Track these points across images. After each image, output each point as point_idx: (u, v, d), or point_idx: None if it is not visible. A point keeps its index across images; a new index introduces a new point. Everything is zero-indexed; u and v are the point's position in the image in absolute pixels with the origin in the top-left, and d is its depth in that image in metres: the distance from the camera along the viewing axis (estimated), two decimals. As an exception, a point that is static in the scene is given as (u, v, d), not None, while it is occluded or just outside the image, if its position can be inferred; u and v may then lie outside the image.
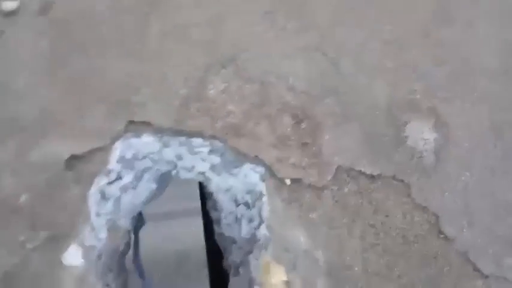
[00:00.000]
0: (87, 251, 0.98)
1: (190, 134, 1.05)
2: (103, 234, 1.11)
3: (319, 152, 1.08)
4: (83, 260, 0.92)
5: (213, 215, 1.40)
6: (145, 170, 1.22)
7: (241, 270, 1.24)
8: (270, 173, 1.04)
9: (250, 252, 1.19)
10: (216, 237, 1.41)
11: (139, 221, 1.48)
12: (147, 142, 1.10)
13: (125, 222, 1.22)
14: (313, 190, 1.04)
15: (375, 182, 1.08)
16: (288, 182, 1.04)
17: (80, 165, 0.94)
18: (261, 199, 1.08)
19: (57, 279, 0.86)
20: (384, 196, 1.07)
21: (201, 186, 2.09)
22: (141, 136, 1.06)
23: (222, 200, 1.31)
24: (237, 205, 1.25)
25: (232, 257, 1.31)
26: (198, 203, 1.90)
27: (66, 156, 0.93)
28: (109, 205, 1.13)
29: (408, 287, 0.99)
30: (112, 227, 1.17)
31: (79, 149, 0.95)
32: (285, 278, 1.00)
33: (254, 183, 1.11)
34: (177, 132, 1.04)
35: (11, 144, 0.92)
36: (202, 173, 1.25)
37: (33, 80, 0.98)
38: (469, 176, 1.11)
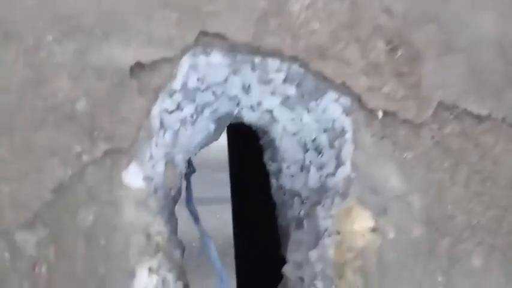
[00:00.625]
0: (146, 177, 0.86)
1: (268, 53, 0.90)
2: (160, 168, 0.99)
3: (418, 83, 0.91)
4: (144, 183, 0.80)
5: (272, 167, 1.26)
6: (206, 105, 1.08)
7: (305, 223, 1.10)
8: (359, 104, 0.89)
9: (318, 203, 1.04)
10: (273, 192, 1.28)
11: (190, 166, 1.36)
12: (215, 64, 0.96)
13: (181, 162, 1.10)
14: (410, 126, 0.88)
15: (482, 123, 0.91)
16: (380, 114, 0.88)
17: (145, 75, 0.82)
18: (343, 136, 0.93)
19: (117, 198, 0.75)
20: (492, 140, 0.90)
21: (232, 173, 1.93)
22: (211, 53, 0.92)
23: (287, 146, 1.16)
24: (306, 151, 1.11)
25: (293, 212, 1.18)
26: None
27: (131, 63, 0.80)
28: (167, 136, 1.01)
29: (520, 245, 0.83)
30: (169, 163, 1.05)
31: (145, 56, 0.82)
32: (371, 224, 0.85)
33: (334, 119, 0.96)
34: (253, 50, 0.90)
35: (69, 44, 0.79)
36: (270, 112, 1.11)
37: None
38: None
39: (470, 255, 0.82)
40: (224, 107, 1.12)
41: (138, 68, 0.82)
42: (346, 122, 0.92)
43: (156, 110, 0.85)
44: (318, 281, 0.98)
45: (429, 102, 0.90)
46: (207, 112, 1.12)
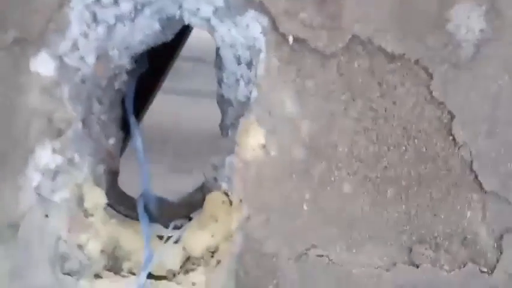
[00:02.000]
0: (64, 67, 0.92)
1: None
2: (90, 60, 1.04)
3: (338, 14, 0.91)
4: (55, 72, 0.87)
5: (217, 74, 1.30)
6: (146, 4, 1.10)
7: (230, 132, 1.18)
8: (273, 26, 0.90)
9: (241, 115, 1.11)
10: (217, 98, 1.34)
11: (140, 63, 1.40)
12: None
13: (119, 56, 1.15)
14: (318, 56, 0.91)
15: (393, 62, 0.92)
16: (290, 39, 0.90)
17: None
18: (258, 56, 0.97)
19: (22, 84, 0.82)
20: (398, 80, 0.93)
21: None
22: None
23: (226, 57, 1.20)
24: (239, 64, 1.15)
25: (226, 120, 1.25)
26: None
27: None
28: (100, 30, 1.05)
29: (392, 180, 0.90)
30: (102, 56, 1.10)
31: None
32: (262, 142, 0.92)
33: (255, 38, 0.98)
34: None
35: None
36: (207, 20, 1.12)
37: None
38: (509, 81, 0.93)
39: (342, 182, 0.89)
40: (167, 9, 1.14)
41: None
42: (262, 43, 0.94)
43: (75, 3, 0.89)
44: (224, 182, 1.08)
45: (343, 34, 0.91)
46: (147, 11, 1.14)
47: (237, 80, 1.19)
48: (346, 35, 0.91)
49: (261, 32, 0.95)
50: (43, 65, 0.84)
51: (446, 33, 0.94)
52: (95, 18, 1.01)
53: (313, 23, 0.91)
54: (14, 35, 0.80)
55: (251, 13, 0.94)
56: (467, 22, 0.95)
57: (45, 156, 0.85)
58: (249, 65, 1.10)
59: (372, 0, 0.92)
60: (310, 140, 0.89)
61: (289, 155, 0.89)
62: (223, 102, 1.32)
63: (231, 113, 1.26)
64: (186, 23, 1.16)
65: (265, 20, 0.92)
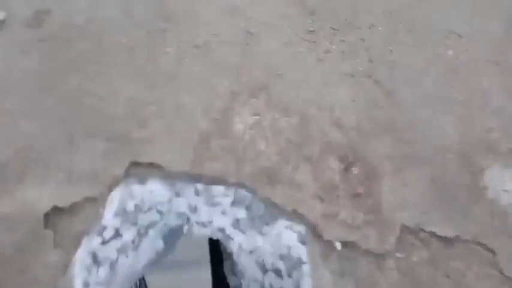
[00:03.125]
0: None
1: (210, 181, 0.81)
2: None
3: (377, 206, 0.83)
4: None
5: (232, 281, 1.13)
6: (150, 226, 0.97)
7: None
8: (314, 234, 0.79)
9: None
10: None
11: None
12: (153, 190, 0.85)
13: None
14: (373, 258, 0.78)
15: (451, 246, 0.82)
16: (338, 246, 0.78)
17: (64, 221, 0.70)
18: (301, 268, 0.82)
19: None
20: (464, 266, 0.81)
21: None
22: (146, 182, 0.82)
23: (245, 264, 1.05)
24: (265, 272, 0.99)
25: None
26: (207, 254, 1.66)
27: (46, 208, 0.69)
28: (102, 272, 0.88)
29: None
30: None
31: (64, 199, 0.71)
32: None
33: (290, 246, 0.85)
34: (193, 178, 0.80)
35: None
36: (222, 230, 1.00)
37: (11, 106, 0.75)
38: None
39: None
40: (173, 222, 1.00)
41: (55, 213, 0.70)
42: (303, 252, 0.81)
43: (79, 256, 0.73)
44: None
45: (392, 227, 0.81)
46: (152, 232, 1.00)
47: (263, 290, 1.02)
48: (394, 227, 0.81)
49: (298, 240, 0.82)
50: None
51: (488, 202, 0.87)
52: (95, 260, 0.85)
53: (355, 221, 0.80)
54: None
55: (282, 222, 0.83)
56: (503, 185, 0.90)
57: None
58: (279, 273, 0.95)
59: (405, 183, 0.85)
60: None
61: None
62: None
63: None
64: (196, 234, 1.03)
65: (301, 228, 0.80)
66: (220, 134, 0.82)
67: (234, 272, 1.13)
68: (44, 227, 0.69)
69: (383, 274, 0.78)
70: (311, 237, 0.79)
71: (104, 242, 0.87)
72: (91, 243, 0.79)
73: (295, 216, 0.80)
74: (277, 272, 0.94)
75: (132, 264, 0.99)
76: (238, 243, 1.02)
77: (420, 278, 0.79)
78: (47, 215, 0.69)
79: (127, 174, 0.77)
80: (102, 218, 0.75)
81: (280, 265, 0.90)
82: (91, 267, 0.85)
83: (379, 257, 0.78)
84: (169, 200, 0.93)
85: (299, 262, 0.83)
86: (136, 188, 0.82)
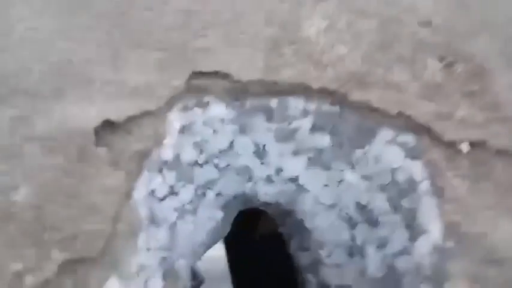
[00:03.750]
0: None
1: (288, 90, 0.65)
2: (157, 284, 0.68)
3: (497, 103, 0.67)
4: None
5: (303, 258, 0.95)
6: (208, 185, 0.81)
7: None
8: (430, 138, 0.62)
9: None
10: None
11: (194, 279, 1.04)
12: (216, 119, 0.69)
13: (184, 270, 0.78)
14: (508, 158, 0.62)
15: None
16: (464, 147, 0.61)
17: (119, 138, 0.54)
18: (415, 189, 0.65)
19: None
20: None
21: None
22: (210, 103, 0.66)
23: (323, 225, 0.87)
24: (353, 226, 0.81)
25: None
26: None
27: (95, 123, 0.53)
28: (162, 234, 0.71)
29: None
30: (169, 273, 0.73)
31: (116, 112, 0.55)
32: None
33: (394, 168, 0.68)
34: (267, 88, 0.65)
35: (9, 111, 0.53)
36: (294, 180, 0.83)
37: (41, 25, 0.61)
38: None
39: None
40: (232, 186, 0.83)
41: (106, 129, 0.55)
42: (415, 168, 0.64)
43: (141, 192, 0.56)
44: None
45: (521, 123, 0.65)
46: (210, 195, 0.83)
47: (353, 251, 0.83)
48: (524, 123, 0.65)
49: (406, 156, 0.65)
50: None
51: None
52: (152, 218, 0.68)
53: (476, 119, 0.64)
54: (61, 259, 0.44)
55: (384, 135, 0.66)
56: None
57: None
58: (374, 221, 0.77)
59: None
60: None
61: None
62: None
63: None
64: (260, 197, 0.86)
65: (410, 137, 0.64)
66: (290, 40, 0.68)
67: (306, 246, 0.95)
68: (94, 144, 0.53)
69: (528, 177, 0.60)
70: (427, 144, 0.62)
71: (160, 199, 0.70)
72: (151, 181, 0.63)
73: (401, 121, 0.63)
74: (373, 218, 0.77)
75: (192, 232, 0.81)
76: (313, 196, 0.84)
77: None
78: (97, 131, 0.54)
79: (188, 88, 0.61)
80: (164, 138, 0.58)
81: (380, 201, 0.72)
82: (150, 227, 0.68)
83: (515, 156, 0.62)
84: (231, 145, 0.77)
85: (411, 185, 0.65)
86: (196, 115, 0.67)
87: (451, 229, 0.56)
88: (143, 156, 0.54)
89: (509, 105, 0.66)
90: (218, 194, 0.84)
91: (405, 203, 0.67)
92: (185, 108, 0.64)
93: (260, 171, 0.82)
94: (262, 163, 0.81)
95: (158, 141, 0.56)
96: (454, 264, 0.55)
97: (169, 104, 0.60)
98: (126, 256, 0.48)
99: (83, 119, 0.54)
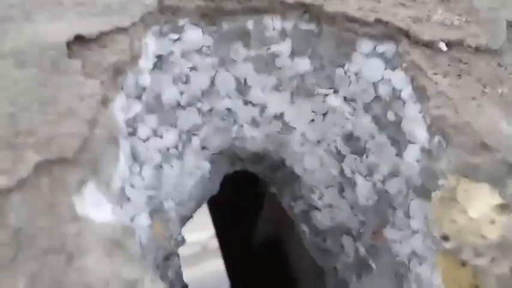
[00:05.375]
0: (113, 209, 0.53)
1: (263, 7, 0.64)
2: (144, 220, 0.67)
3: (471, 7, 0.67)
4: (113, 216, 0.47)
5: (296, 208, 0.94)
6: (192, 131, 0.80)
7: (373, 262, 0.76)
8: (409, 40, 0.62)
9: (382, 225, 0.73)
10: (308, 245, 0.94)
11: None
12: (193, 47, 0.68)
13: (174, 212, 0.77)
14: (486, 55, 0.62)
15: None
16: (443, 46, 0.61)
17: (93, 51, 0.53)
18: (398, 98, 0.65)
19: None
20: None
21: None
22: (184, 28, 0.65)
23: (313, 166, 0.86)
24: (341, 159, 0.81)
25: (345, 257, 0.85)
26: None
27: (67, 38, 0.52)
28: (147, 173, 0.70)
29: None
30: (157, 212, 0.72)
31: (89, 28, 0.54)
32: (495, 200, 0.53)
33: (376, 83, 0.68)
34: (242, 6, 0.64)
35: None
36: (279, 118, 0.83)
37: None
38: None
39: None
40: (217, 135, 0.83)
41: (79, 43, 0.53)
42: (396, 77, 0.64)
43: (119, 103, 0.55)
44: None
45: (494, 25, 0.65)
46: (195, 141, 0.82)
47: (343, 186, 0.82)
48: (498, 24, 0.65)
49: (387, 67, 0.65)
50: (96, 207, 0.45)
51: None
52: (135, 157, 0.67)
53: (454, 23, 0.64)
54: (36, 160, 0.42)
55: (363, 47, 0.66)
56: None
57: None
58: (361, 146, 0.77)
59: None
60: None
61: None
62: (322, 240, 0.91)
63: (348, 243, 0.85)
64: (247, 145, 0.85)
65: (390, 46, 0.64)
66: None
67: (298, 194, 0.94)
68: (67, 57, 0.51)
69: (507, 70, 0.61)
70: (405, 49, 0.62)
71: (144, 140, 0.69)
72: (129, 108, 0.61)
73: (379, 29, 0.63)
74: (360, 146, 0.76)
75: (178, 177, 0.80)
76: (300, 133, 0.84)
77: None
78: (69, 45, 0.52)
79: (161, 7, 0.60)
80: (139, 57, 0.57)
81: (364, 122, 0.72)
82: (133, 165, 0.67)
83: (493, 52, 0.62)
84: (212, 84, 0.76)
85: (394, 95, 0.65)
86: (174, 45, 0.66)
87: (436, 125, 0.55)
88: (118, 70, 0.53)
89: (484, 10, 0.66)
90: (204, 148, 0.83)
91: (390, 116, 0.67)
92: (160, 34, 0.63)
93: (244, 112, 0.81)
94: (245, 103, 0.80)
95: (133, 57, 0.55)
96: (442, 163, 0.54)
97: (143, 22, 0.58)
98: (106, 162, 0.47)
99: (54, 35, 0.52)
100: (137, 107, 0.62)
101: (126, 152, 0.63)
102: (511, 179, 0.51)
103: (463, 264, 0.53)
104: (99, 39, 0.54)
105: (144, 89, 0.62)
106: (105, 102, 0.50)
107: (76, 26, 0.54)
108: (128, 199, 0.62)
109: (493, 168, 0.52)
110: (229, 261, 1.64)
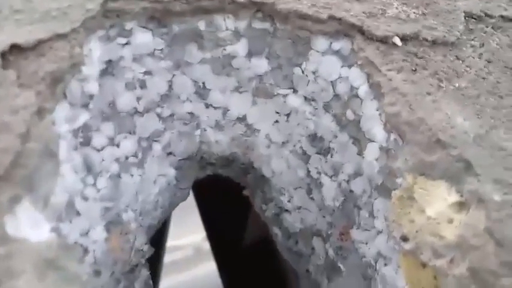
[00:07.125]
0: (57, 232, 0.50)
1: (213, 7, 0.62)
2: (99, 234, 0.64)
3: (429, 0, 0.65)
4: (52, 234, 0.45)
5: (268, 211, 0.92)
6: (153, 137, 0.77)
7: (341, 264, 0.75)
8: (363, 37, 0.60)
9: (349, 226, 0.72)
10: (280, 248, 0.93)
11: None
12: (144, 48, 0.66)
13: (134, 223, 0.75)
14: (443, 48, 0.60)
15: (532, 27, 0.64)
16: (398, 41, 0.60)
17: (29, 61, 0.50)
18: (355, 97, 0.63)
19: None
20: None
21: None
22: (132, 31, 0.62)
23: (280, 168, 0.85)
24: (307, 160, 0.79)
25: (316, 259, 0.83)
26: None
27: (3, 48, 0.50)
28: (103, 184, 0.67)
29: None
30: (114, 224, 0.69)
31: (26, 36, 0.51)
32: (452, 198, 0.51)
33: (334, 81, 0.66)
34: (192, 7, 0.62)
35: None
36: (242, 120, 0.81)
37: None
38: None
39: None
40: (182, 140, 0.80)
41: (15, 53, 0.51)
42: (353, 75, 0.62)
43: (60, 113, 0.52)
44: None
45: (454, 15, 0.63)
46: (157, 148, 0.79)
47: (311, 188, 0.81)
48: (457, 15, 0.64)
49: (343, 64, 0.63)
50: (31, 231, 0.42)
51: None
52: (89, 167, 0.64)
53: (410, 16, 0.62)
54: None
55: (318, 45, 0.64)
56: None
57: None
58: (324, 146, 0.75)
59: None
60: (480, 139, 0.50)
61: None
62: (294, 242, 0.90)
63: (319, 245, 0.83)
64: (213, 149, 0.83)
65: (344, 42, 0.62)
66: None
67: (269, 197, 0.92)
68: (1, 67, 0.49)
69: (464, 63, 0.59)
70: (360, 45, 0.60)
71: (99, 150, 0.67)
72: (75, 119, 0.59)
73: (333, 25, 0.61)
74: (323, 146, 0.74)
75: (140, 186, 0.78)
76: (265, 134, 0.82)
77: (509, 62, 0.60)
78: (5, 55, 0.50)
79: (104, 11, 0.58)
80: (82, 62, 0.55)
81: (325, 122, 0.70)
82: (87, 176, 0.64)
83: (451, 45, 0.60)
84: (170, 88, 0.74)
85: (351, 93, 0.63)
86: (123, 49, 0.63)
87: (391, 123, 0.53)
88: (57, 78, 0.50)
89: (442, 1, 0.65)
90: (170, 154, 0.81)
91: (349, 115, 0.65)
92: (107, 38, 0.61)
93: (207, 116, 0.79)
94: (207, 106, 0.78)
95: (74, 64, 0.53)
96: (399, 161, 0.53)
97: (85, 28, 0.56)
98: (43, 177, 0.44)
99: (-13, 44, 0.50)
100: (84, 116, 0.60)
101: (76, 164, 0.60)
102: (468, 175, 0.50)
103: (423, 265, 0.51)
104: (37, 47, 0.51)
105: (91, 96, 0.60)
106: (41, 113, 0.48)
107: (13, 35, 0.51)
108: (78, 213, 0.60)
109: (449, 165, 0.51)
110: (221, 263, 1.63)
